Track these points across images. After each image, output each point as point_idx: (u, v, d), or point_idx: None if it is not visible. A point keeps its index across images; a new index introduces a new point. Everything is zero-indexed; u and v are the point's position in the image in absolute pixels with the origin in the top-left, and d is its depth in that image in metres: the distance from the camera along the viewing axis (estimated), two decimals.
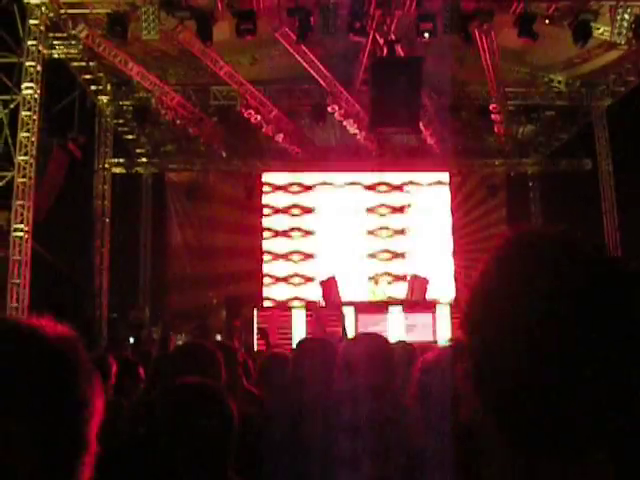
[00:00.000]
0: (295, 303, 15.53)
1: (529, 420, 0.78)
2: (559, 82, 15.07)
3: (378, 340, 2.81)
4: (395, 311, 12.26)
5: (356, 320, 12.05)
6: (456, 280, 16.40)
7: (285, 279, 16.37)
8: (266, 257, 16.45)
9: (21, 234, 10.99)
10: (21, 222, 11.01)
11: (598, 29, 11.76)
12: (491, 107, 14.56)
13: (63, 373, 0.97)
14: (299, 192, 16.78)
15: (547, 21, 11.42)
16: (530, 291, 0.81)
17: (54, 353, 0.97)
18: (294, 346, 3.42)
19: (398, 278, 16.06)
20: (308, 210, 16.67)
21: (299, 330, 11.97)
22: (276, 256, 16.48)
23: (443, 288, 15.85)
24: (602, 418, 0.77)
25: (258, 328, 10.67)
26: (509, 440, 0.81)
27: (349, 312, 11.67)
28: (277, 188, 16.79)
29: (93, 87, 14.49)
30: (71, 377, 0.97)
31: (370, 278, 14.76)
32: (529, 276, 0.82)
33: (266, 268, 16.40)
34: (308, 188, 16.79)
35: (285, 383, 3.41)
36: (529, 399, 0.78)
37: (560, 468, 0.78)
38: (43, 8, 11.24)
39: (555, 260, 0.83)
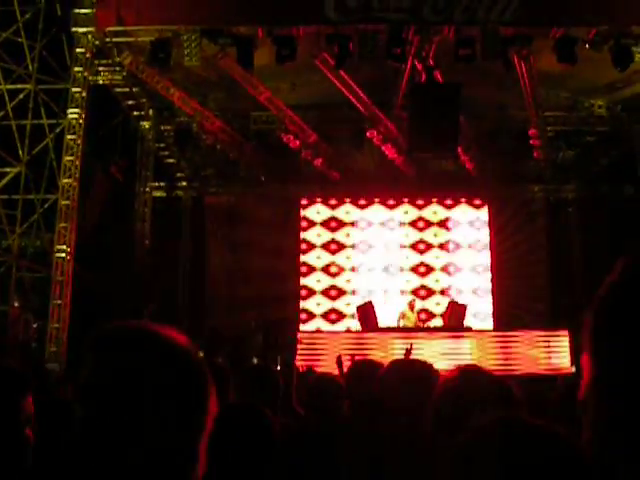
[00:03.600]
0: (332, 325, 15.54)
1: None
2: (600, 107, 14.93)
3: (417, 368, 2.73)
4: (431, 337, 12.15)
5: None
6: (494, 305, 16.22)
7: (323, 294, 16.37)
8: (304, 279, 16.49)
9: (63, 255, 11.21)
10: (63, 243, 11.23)
11: None
12: (530, 132, 14.47)
13: (199, 376, 1.20)
14: (337, 228, 16.82)
15: (587, 46, 11.35)
16: None
17: (191, 361, 1.20)
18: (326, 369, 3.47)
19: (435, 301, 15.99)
20: (344, 245, 16.69)
21: (335, 353, 11.92)
22: (312, 272, 16.52)
23: (482, 315, 15.72)
24: None
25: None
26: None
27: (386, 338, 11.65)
28: (314, 224, 16.86)
29: (136, 112, 14.79)
30: (203, 378, 1.20)
31: (407, 302, 14.63)
32: None
33: (303, 292, 16.42)
34: (345, 224, 16.80)
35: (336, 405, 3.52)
36: None
37: None
38: (89, 36, 11.57)
39: None
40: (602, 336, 0.83)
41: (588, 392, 0.84)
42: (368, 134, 14.57)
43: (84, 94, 11.71)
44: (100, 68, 12.81)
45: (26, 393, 1.94)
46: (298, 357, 11.48)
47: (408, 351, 6.35)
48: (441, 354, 11.78)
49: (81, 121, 11.64)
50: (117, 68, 12.87)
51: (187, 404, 1.16)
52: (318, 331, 14.68)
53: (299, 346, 11.95)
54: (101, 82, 13.05)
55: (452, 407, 1.98)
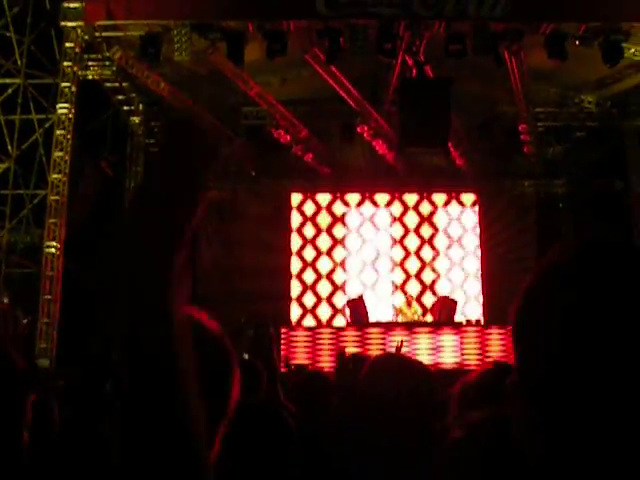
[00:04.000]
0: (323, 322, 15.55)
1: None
2: (589, 102, 14.97)
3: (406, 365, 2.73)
4: (422, 332, 12.18)
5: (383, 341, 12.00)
6: (484, 302, 16.26)
7: (314, 290, 16.38)
8: (295, 275, 16.47)
9: (53, 250, 11.18)
10: (53, 239, 11.19)
11: (630, 49, 11.70)
12: (521, 128, 14.50)
13: (230, 360, 1.35)
14: (327, 223, 16.75)
15: (577, 42, 11.39)
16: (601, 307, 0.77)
17: (223, 345, 1.37)
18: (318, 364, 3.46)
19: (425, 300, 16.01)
20: (335, 240, 16.66)
21: (326, 350, 11.95)
22: (303, 267, 16.51)
23: (471, 310, 15.77)
24: None
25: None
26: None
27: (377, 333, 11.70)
28: (305, 219, 16.79)
29: (125, 107, 14.72)
30: (232, 361, 1.34)
31: (404, 296, 14.64)
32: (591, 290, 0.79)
33: (294, 287, 16.41)
34: (336, 220, 16.74)
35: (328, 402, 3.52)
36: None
37: None
38: (79, 31, 11.51)
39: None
40: (519, 333, 0.85)
41: (510, 384, 0.86)
42: (359, 129, 14.56)
43: (73, 89, 11.66)
44: (89, 63, 12.75)
45: (30, 394, 1.85)
46: (290, 354, 11.50)
47: (398, 347, 6.37)
48: (432, 349, 11.83)
49: (71, 116, 11.60)
50: (107, 63, 12.81)
51: (218, 384, 1.23)
52: (309, 327, 14.67)
53: (289, 342, 11.97)
54: (90, 77, 12.99)
55: (477, 400, 1.99)
